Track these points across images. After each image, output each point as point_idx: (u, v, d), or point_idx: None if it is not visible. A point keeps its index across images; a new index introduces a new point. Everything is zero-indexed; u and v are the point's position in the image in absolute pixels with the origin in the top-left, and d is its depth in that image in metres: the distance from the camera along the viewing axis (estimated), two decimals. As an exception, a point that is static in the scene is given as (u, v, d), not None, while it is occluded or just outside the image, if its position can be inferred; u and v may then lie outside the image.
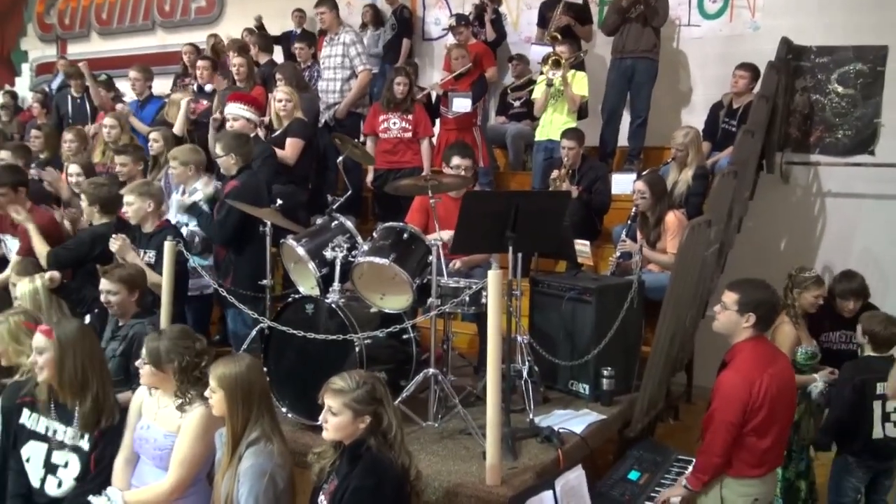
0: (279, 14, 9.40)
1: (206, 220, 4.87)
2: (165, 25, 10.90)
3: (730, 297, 3.57)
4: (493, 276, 3.36)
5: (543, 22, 7.44)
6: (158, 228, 4.76)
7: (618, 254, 5.38)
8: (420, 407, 4.09)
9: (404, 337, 4.17)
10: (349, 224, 4.29)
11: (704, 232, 4.72)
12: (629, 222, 5.54)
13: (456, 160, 4.83)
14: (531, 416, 4.13)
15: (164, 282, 4.36)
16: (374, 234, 4.14)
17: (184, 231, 5.09)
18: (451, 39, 8.00)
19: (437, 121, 7.14)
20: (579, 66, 6.99)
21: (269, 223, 4.56)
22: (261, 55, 8.09)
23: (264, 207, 4.61)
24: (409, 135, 6.61)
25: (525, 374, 4.30)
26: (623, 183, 5.90)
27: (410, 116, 6.58)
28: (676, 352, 5.10)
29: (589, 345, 4.51)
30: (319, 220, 4.40)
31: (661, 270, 5.38)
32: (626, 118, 7.18)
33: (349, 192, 4.99)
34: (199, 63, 7.35)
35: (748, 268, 6.49)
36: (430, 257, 3.93)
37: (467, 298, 4.00)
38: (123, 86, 9.15)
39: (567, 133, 6.15)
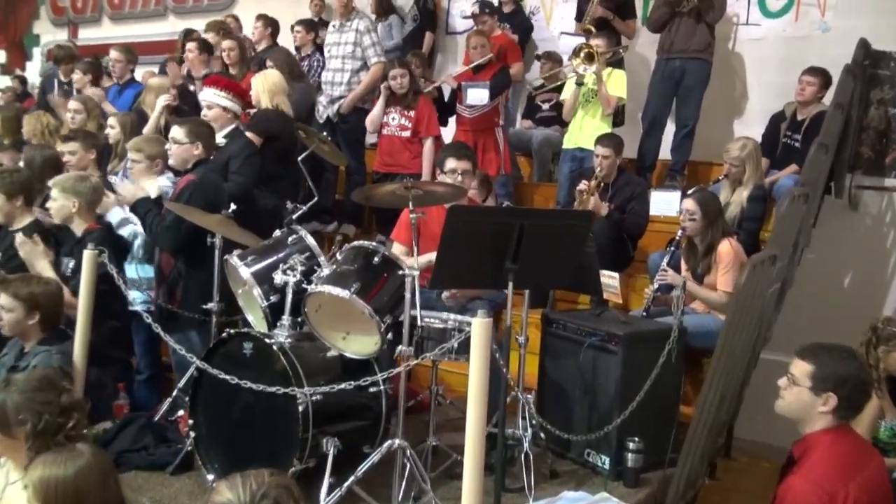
0: (296, 2, 8.48)
1: (154, 221, 3.84)
2: (178, 11, 10.06)
3: (801, 369, 2.54)
4: (477, 325, 2.32)
5: (581, 15, 6.37)
6: (87, 231, 3.81)
7: (655, 286, 4.30)
8: (387, 482, 3.06)
9: (372, 390, 3.13)
10: (310, 240, 3.28)
11: (768, 270, 3.63)
12: (671, 248, 4.46)
13: (451, 163, 3.78)
14: (531, 500, 3.09)
15: (81, 300, 3.39)
16: (338, 255, 3.12)
17: (126, 231, 4.13)
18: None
19: (454, 119, 6.09)
20: (617, 65, 5.93)
21: (218, 235, 3.56)
22: (269, 39, 7.11)
23: (216, 213, 3.61)
24: (408, 133, 5.56)
25: (526, 441, 3.26)
26: (663, 201, 4.81)
27: (412, 112, 5.53)
28: (725, 415, 4.01)
29: (612, 407, 3.45)
30: (277, 233, 3.38)
31: (706, 310, 4.29)
32: (670, 127, 6.10)
33: (314, 199, 3.97)
34: (188, 45, 6.40)
35: (806, 309, 5.39)
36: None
37: (456, 344, 2.97)
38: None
39: (602, 139, 5.09)
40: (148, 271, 4.25)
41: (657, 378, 3.39)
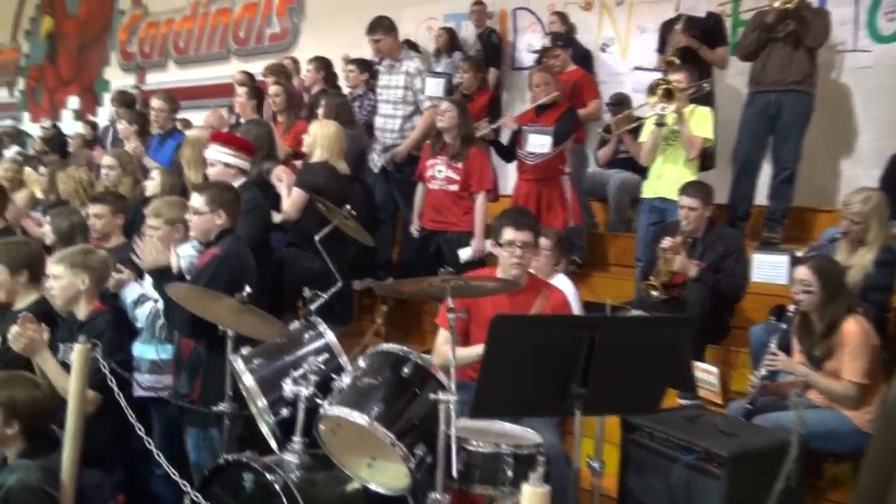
0: (357, 42, 7.96)
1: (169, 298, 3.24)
2: (239, 53, 9.74)
3: None
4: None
5: (664, 47, 5.58)
6: (92, 314, 3.25)
7: (763, 372, 3.46)
8: None
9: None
10: (330, 338, 2.61)
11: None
12: (778, 323, 3.63)
13: (508, 233, 3.05)
14: None
15: (71, 401, 2.82)
16: (361, 360, 2.43)
17: (145, 309, 3.55)
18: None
19: (515, 165, 5.35)
20: (703, 100, 5.11)
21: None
22: (322, 83, 6.55)
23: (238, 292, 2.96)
24: (457, 187, 4.82)
25: None
26: (769, 266, 3.94)
27: (461, 164, 4.78)
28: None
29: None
30: (294, 325, 2.72)
31: (828, 403, 3.42)
32: (766, 170, 5.23)
33: (337, 285, 3.30)
34: (238, 90, 5.90)
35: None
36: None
37: (510, 473, 2.24)
38: (194, 117, 8.01)
39: (688, 188, 4.29)
40: (168, 351, 3.66)
41: (774, 509, 2.57)
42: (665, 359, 2.12)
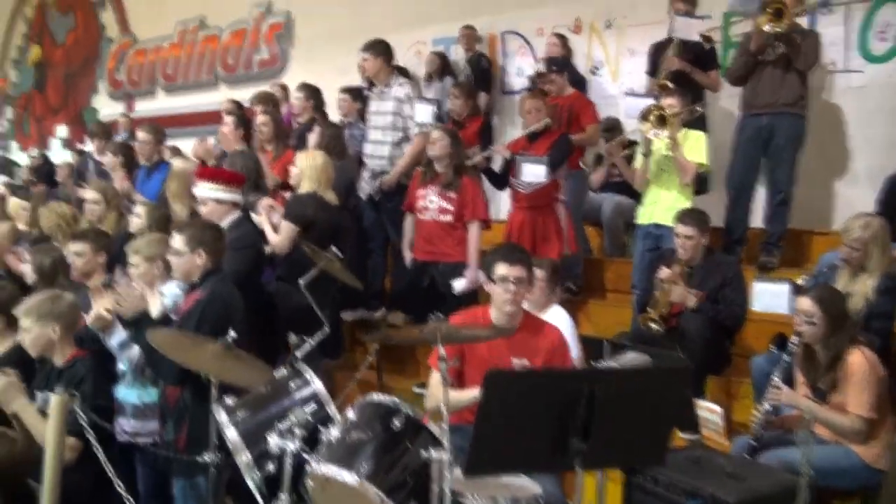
0: (346, 68, 7.90)
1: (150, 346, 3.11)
2: (228, 80, 9.67)
3: None
4: None
5: (655, 70, 5.49)
6: (70, 361, 3.12)
7: (767, 406, 3.35)
8: None
9: None
10: (317, 386, 2.49)
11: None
12: (780, 352, 3.53)
13: (501, 269, 2.94)
14: None
15: (48, 455, 2.69)
16: (350, 412, 2.31)
17: (132, 353, 3.41)
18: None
19: (508, 193, 5.25)
20: (697, 124, 5.03)
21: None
22: (311, 111, 6.43)
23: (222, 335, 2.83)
24: (450, 217, 4.71)
25: None
26: (769, 296, 3.84)
27: (453, 194, 4.69)
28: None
29: None
30: (281, 372, 2.60)
31: (834, 439, 3.31)
32: (760, 192, 5.15)
33: (323, 330, 3.18)
34: (225, 119, 5.79)
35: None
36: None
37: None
38: (184, 145, 7.91)
39: (683, 216, 4.20)
40: (153, 395, 3.52)
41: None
42: (667, 406, 2.01)
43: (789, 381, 3.45)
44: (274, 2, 9.20)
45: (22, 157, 11.69)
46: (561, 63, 5.57)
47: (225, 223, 3.89)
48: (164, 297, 3.49)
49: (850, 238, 3.73)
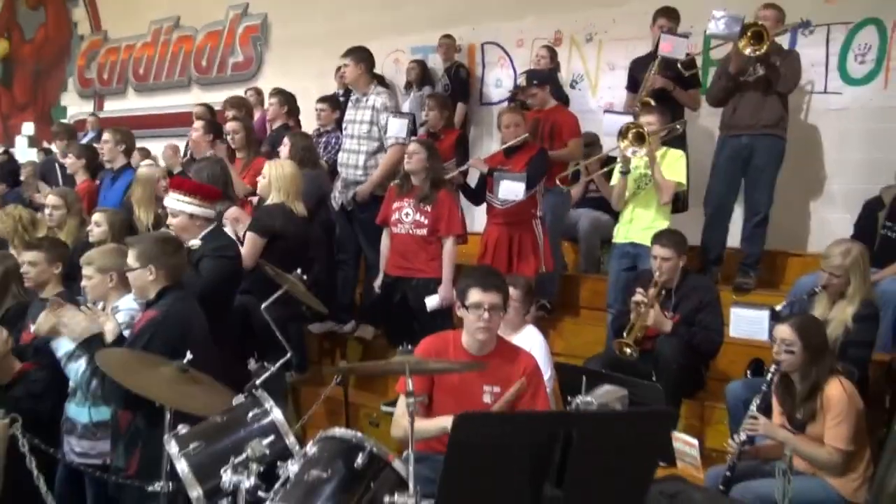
0: (322, 73, 7.77)
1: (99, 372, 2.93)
2: (201, 82, 9.46)
3: None
4: None
5: (634, 85, 5.42)
6: (14, 380, 2.95)
7: (742, 437, 3.26)
8: None
9: None
10: (276, 416, 2.34)
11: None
12: (755, 378, 3.45)
13: (475, 295, 2.81)
14: None
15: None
16: (309, 448, 2.17)
17: (78, 366, 3.22)
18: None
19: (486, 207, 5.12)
20: (676, 142, 4.96)
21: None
22: (285, 117, 6.26)
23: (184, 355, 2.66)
24: (424, 232, 4.56)
25: None
26: (747, 322, 3.69)
27: (429, 207, 4.56)
28: None
29: None
30: (238, 399, 2.45)
31: (812, 470, 3.22)
32: (737, 212, 5.09)
33: (287, 356, 3.03)
34: (194, 124, 5.61)
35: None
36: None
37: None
38: (154, 146, 7.71)
39: (661, 237, 4.12)
40: (104, 414, 3.34)
41: None
42: (648, 450, 1.89)
43: (766, 409, 3.37)
44: (250, 4, 9.02)
45: (-14, 155, 11.37)
46: (543, 76, 5.45)
47: (198, 237, 3.74)
48: (119, 311, 3.33)
49: (831, 265, 3.67)
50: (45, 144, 10.86)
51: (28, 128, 11.41)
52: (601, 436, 1.77)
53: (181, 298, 3.10)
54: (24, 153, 10.78)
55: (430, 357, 2.80)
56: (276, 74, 8.39)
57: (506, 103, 6.51)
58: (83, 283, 3.48)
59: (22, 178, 9.19)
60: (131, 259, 3.04)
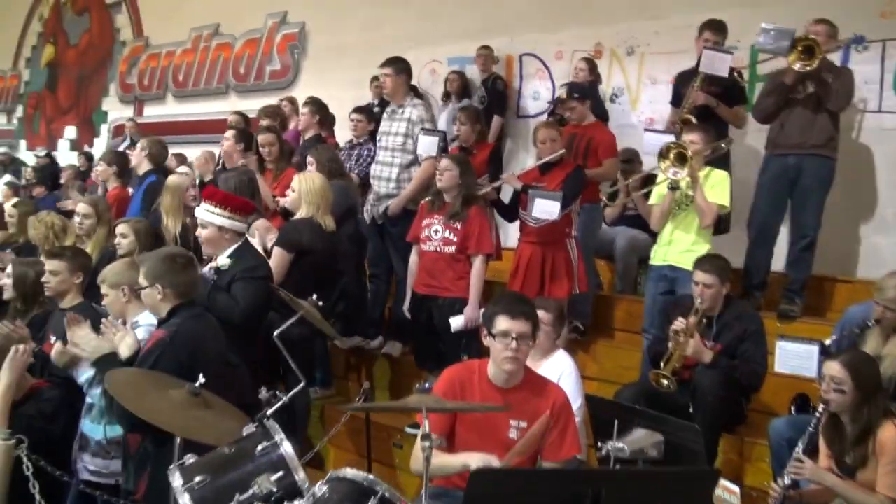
0: (357, 83, 7.68)
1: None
2: (238, 89, 9.45)
3: None
4: None
5: (678, 100, 5.17)
6: (25, 398, 2.87)
7: (787, 480, 3.04)
8: None
9: None
10: (286, 449, 2.20)
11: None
12: (801, 414, 3.24)
13: (503, 323, 2.65)
14: None
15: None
16: (319, 485, 2.03)
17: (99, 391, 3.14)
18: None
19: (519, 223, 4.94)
20: (719, 161, 4.75)
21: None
22: (317, 127, 6.15)
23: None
24: (453, 249, 4.38)
25: None
26: (795, 356, 3.46)
27: (459, 224, 4.39)
28: None
29: None
30: (248, 429, 2.32)
31: (861, 518, 3.00)
32: (782, 234, 4.84)
33: (300, 385, 2.89)
34: (226, 133, 5.53)
35: None
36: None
37: None
38: (191, 152, 7.68)
39: (703, 263, 3.91)
40: (120, 430, 3.24)
41: None
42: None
43: (813, 451, 3.15)
44: (289, 12, 8.99)
45: (29, 157, 11.53)
46: (584, 90, 5.26)
47: (228, 251, 3.64)
48: (139, 327, 3.24)
49: (885, 298, 3.43)
50: (87, 148, 10.99)
51: (70, 132, 11.57)
52: (634, 496, 1.59)
53: (194, 316, 2.99)
54: (66, 157, 10.93)
55: (454, 387, 2.65)
56: (313, 83, 8.33)
57: (544, 116, 6.34)
58: (103, 301, 3.41)
59: (62, 181, 9.31)
60: (141, 277, 2.94)
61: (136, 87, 10.71)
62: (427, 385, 2.05)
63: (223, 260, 3.59)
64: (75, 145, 11.35)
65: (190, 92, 10.00)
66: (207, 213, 3.59)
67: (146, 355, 2.79)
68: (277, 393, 2.38)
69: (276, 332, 2.73)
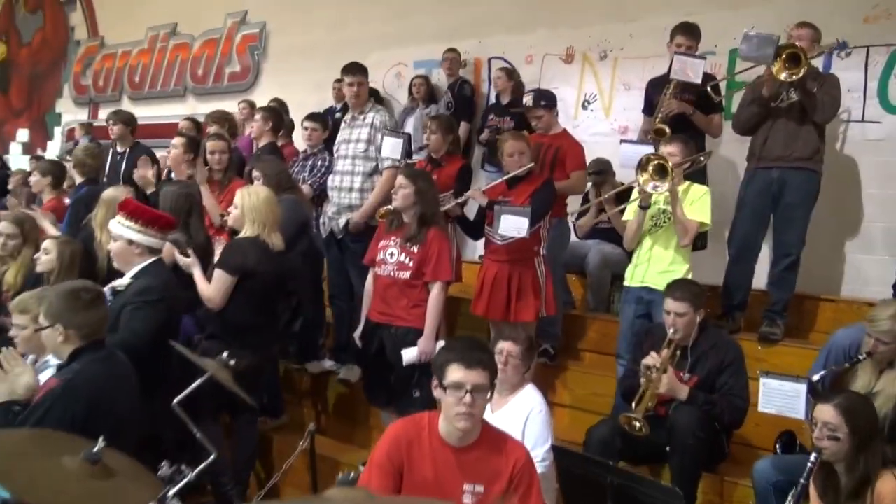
0: (320, 86, 7.30)
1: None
2: (197, 92, 9.01)
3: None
4: None
5: (650, 108, 4.89)
6: None
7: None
8: None
9: None
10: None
11: None
12: (790, 459, 2.92)
13: (455, 373, 2.28)
14: None
15: None
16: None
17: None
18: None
19: (483, 243, 4.59)
20: (698, 175, 4.44)
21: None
22: (271, 135, 5.72)
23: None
24: (407, 275, 3.98)
25: None
26: (780, 395, 3.10)
27: (415, 248, 3.99)
28: None
29: None
30: (161, 470, 1.95)
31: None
32: (764, 251, 4.54)
33: (212, 457, 2.48)
34: (173, 140, 5.11)
35: None
36: None
37: None
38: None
39: (674, 289, 3.58)
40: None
41: None
42: None
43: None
44: (249, 12, 8.57)
45: (-21, 161, 10.98)
46: (551, 97, 4.92)
47: (134, 270, 3.31)
48: (49, 367, 2.85)
49: (878, 330, 3.12)
50: (39, 152, 10.47)
51: (23, 134, 11.04)
52: None
53: (99, 360, 2.59)
54: (18, 160, 10.38)
55: (399, 447, 2.30)
56: (273, 86, 7.94)
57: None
58: (13, 332, 3.00)
59: (10, 186, 8.80)
60: (41, 316, 2.55)
61: (90, 88, 10.21)
62: (351, 476, 1.69)
63: (122, 281, 3.25)
64: (28, 149, 10.82)
65: (146, 94, 9.54)
66: (117, 225, 3.30)
67: (32, 410, 2.39)
68: (182, 468, 2.00)
69: (175, 400, 2.35)
